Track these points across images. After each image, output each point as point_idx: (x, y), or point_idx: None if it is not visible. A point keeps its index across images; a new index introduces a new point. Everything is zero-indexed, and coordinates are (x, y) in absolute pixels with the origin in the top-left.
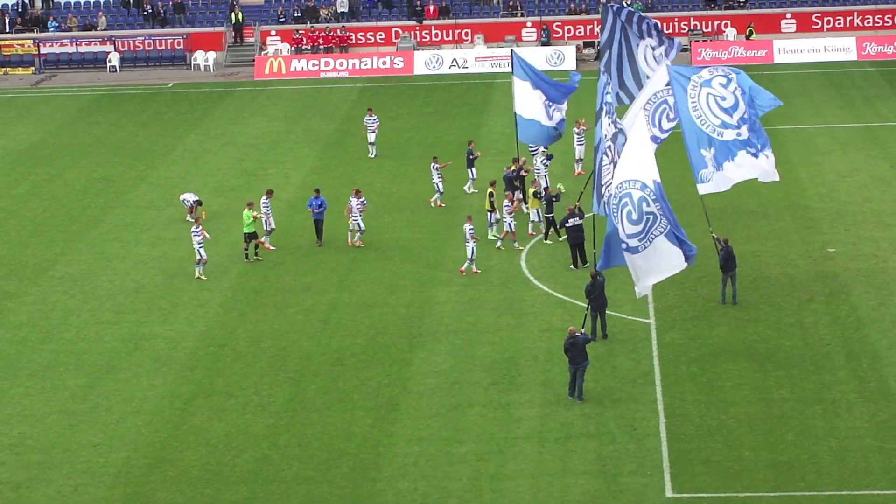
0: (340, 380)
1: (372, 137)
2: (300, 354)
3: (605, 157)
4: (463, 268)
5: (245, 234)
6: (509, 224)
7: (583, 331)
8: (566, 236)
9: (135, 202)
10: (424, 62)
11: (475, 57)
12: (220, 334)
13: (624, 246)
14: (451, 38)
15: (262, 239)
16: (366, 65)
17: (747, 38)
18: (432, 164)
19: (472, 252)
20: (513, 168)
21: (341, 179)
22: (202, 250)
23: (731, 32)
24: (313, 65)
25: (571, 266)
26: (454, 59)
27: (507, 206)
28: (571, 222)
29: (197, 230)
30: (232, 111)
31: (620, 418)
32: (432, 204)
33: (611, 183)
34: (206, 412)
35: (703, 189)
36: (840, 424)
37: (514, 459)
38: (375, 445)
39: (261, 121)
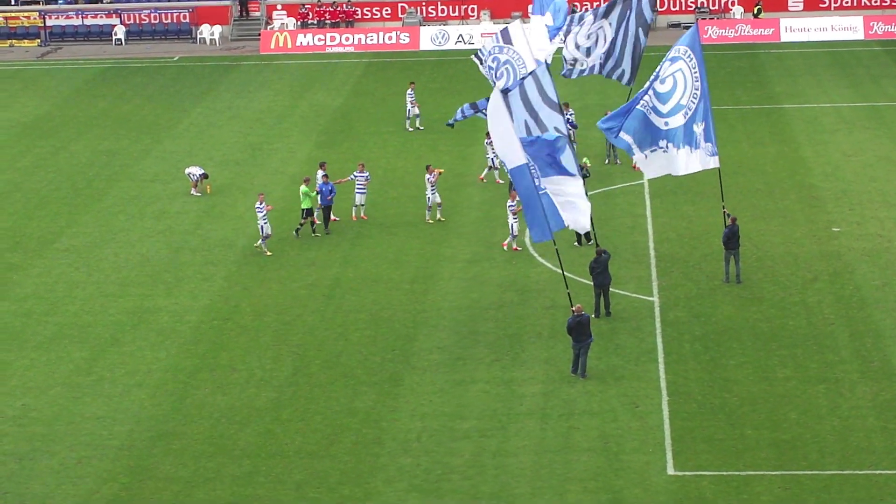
0: (344, 355)
1: (416, 110)
2: (304, 329)
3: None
4: (505, 243)
5: (303, 209)
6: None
7: (575, 307)
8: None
9: (140, 175)
10: (430, 38)
11: (481, 33)
12: (224, 308)
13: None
14: (457, 13)
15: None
16: (371, 40)
17: (755, 16)
18: (426, 175)
19: (514, 228)
20: None
21: (346, 154)
22: (266, 226)
23: (738, 10)
24: (319, 39)
25: (576, 243)
26: (460, 34)
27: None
28: None
29: (261, 206)
30: (237, 85)
31: (623, 396)
32: (430, 221)
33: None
34: (209, 386)
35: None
36: (843, 404)
37: (516, 436)
38: (378, 420)
39: (266, 95)
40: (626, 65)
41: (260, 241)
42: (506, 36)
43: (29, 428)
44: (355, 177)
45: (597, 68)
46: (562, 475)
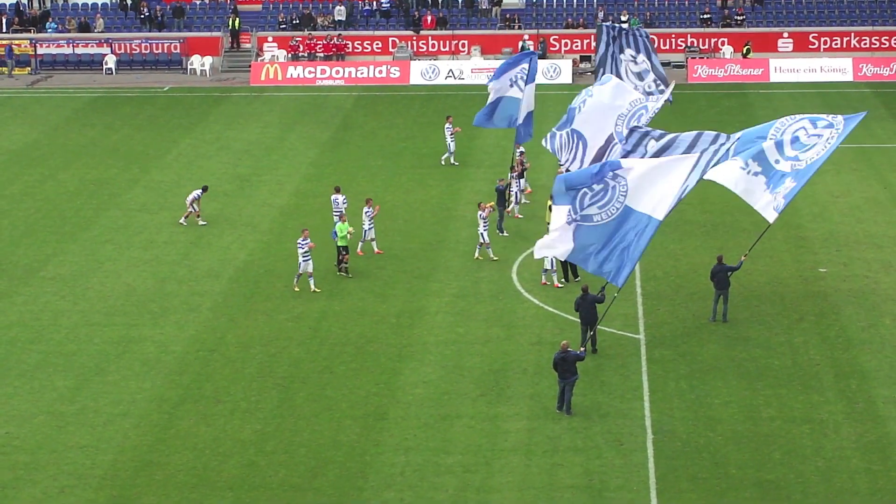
0: (329, 387)
1: (452, 146)
2: (289, 361)
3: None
4: (478, 254)
5: (339, 247)
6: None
7: (582, 349)
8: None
9: (128, 205)
10: (421, 72)
11: (471, 68)
12: (209, 339)
13: (573, 217)
14: (447, 48)
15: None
16: (362, 73)
17: (744, 56)
18: (479, 212)
19: (485, 237)
20: (505, 180)
21: (331, 185)
22: (306, 263)
23: (727, 50)
24: (309, 72)
25: (563, 280)
26: (450, 69)
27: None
28: None
29: (304, 242)
30: (227, 116)
31: (608, 433)
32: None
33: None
34: (193, 417)
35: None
36: (827, 444)
37: (500, 471)
38: (362, 454)
39: (255, 126)
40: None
41: (296, 277)
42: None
43: (12, 456)
44: (366, 213)
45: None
46: None
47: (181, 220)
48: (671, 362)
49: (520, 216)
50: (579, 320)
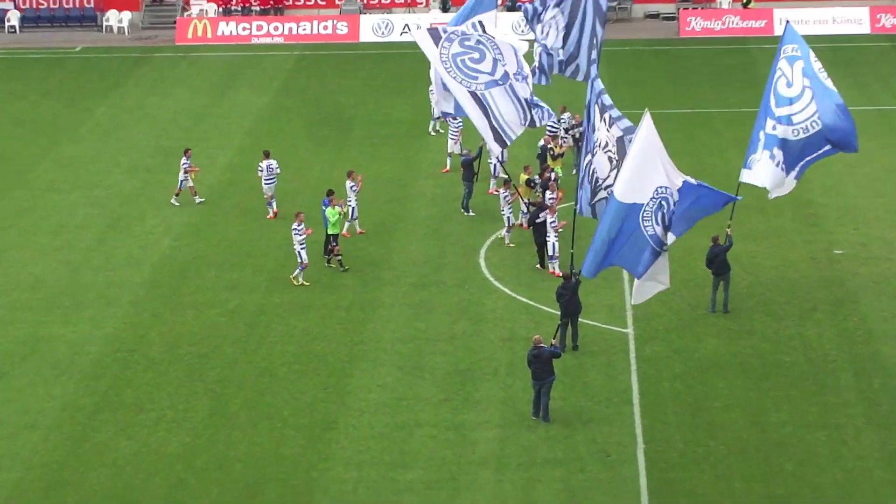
0: (269, 393)
1: (451, 145)
2: (223, 363)
3: (595, 155)
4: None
5: (329, 235)
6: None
7: (554, 342)
8: (532, 231)
9: (35, 183)
10: (372, 28)
11: (431, 23)
12: (130, 338)
13: (661, 248)
14: (402, 0)
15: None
16: (304, 29)
17: (744, 6)
18: (347, 182)
19: (508, 221)
20: (470, 152)
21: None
22: (304, 252)
23: None
24: (244, 29)
25: (538, 265)
26: (406, 24)
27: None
28: (542, 217)
29: (299, 228)
30: (149, 81)
31: (592, 443)
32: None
33: (607, 185)
34: (112, 428)
35: (743, 175)
36: (846, 453)
37: (468, 488)
38: (308, 469)
39: (182, 92)
40: (582, 60)
41: (297, 270)
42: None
43: None
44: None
45: (555, 67)
46: None
47: (172, 200)
48: (664, 360)
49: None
50: (559, 312)
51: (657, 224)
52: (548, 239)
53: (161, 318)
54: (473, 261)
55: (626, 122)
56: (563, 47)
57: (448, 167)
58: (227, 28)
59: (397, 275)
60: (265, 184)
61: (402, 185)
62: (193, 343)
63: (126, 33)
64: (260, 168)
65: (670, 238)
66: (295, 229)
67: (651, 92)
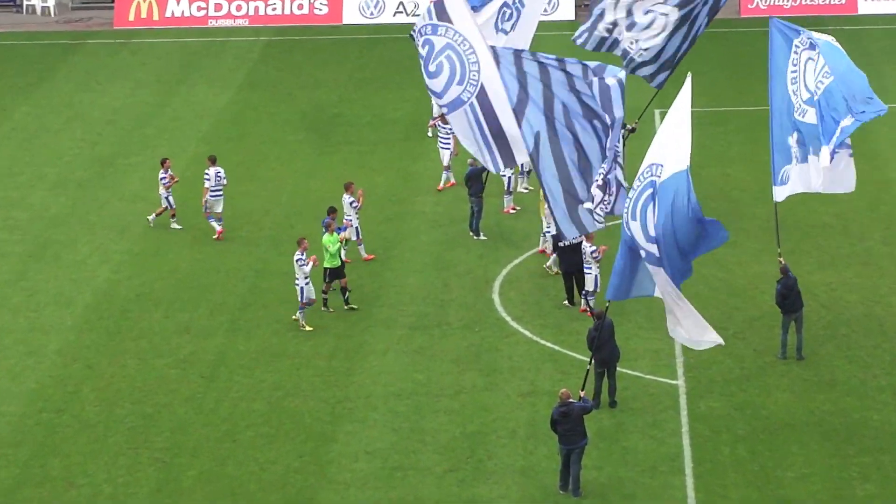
0: (231, 463)
1: (446, 157)
2: (172, 425)
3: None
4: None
5: (326, 269)
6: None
7: (583, 394)
8: (557, 257)
9: None
10: (358, 7)
11: (431, 0)
12: (57, 395)
13: (643, 253)
14: None
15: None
16: (274, 9)
17: None
18: (345, 196)
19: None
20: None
21: (236, 172)
22: (309, 287)
23: None
24: (199, 8)
25: (566, 302)
26: (400, 3)
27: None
28: (569, 239)
29: (302, 258)
30: (81, 73)
31: None
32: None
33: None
34: None
35: (778, 194)
36: None
37: None
38: None
39: (123, 88)
40: (665, 68)
41: (298, 310)
42: (440, 10)
43: None
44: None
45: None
46: None
47: (150, 217)
48: (724, 419)
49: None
50: (591, 361)
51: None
52: (587, 272)
53: (96, 370)
54: (486, 296)
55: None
56: (657, 52)
57: (445, 183)
58: (179, 8)
59: (391, 314)
60: (212, 196)
61: (396, 202)
62: (137, 401)
63: (52, 15)
64: (207, 176)
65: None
66: (298, 260)
67: (705, 85)
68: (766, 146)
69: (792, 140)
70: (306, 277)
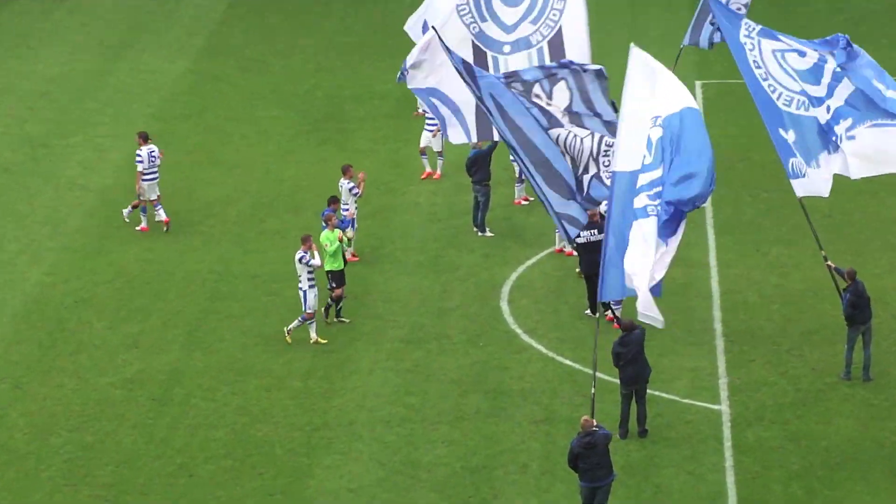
0: (187, 502)
1: (428, 141)
2: (119, 456)
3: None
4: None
5: (329, 272)
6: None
7: (599, 426)
8: (578, 259)
9: None
10: None
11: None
12: None
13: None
14: None
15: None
16: None
17: None
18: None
19: None
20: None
21: (195, 155)
22: (311, 292)
23: None
24: None
25: (587, 311)
26: None
27: None
28: (586, 236)
29: (306, 257)
30: (9, 36)
31: None
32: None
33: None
34: None
35: (799, 188)
36: None
37: None
38: None
39: (58, 54)
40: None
41: (297, 319)
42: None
43: None
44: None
45: None
46: None
47: (124, 212)
48: (775, 451)
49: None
50: (620, 381)
51: None
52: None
53: (27, 391)
54: (492, 304)
55: None
56: None
57: (431, 171)
58: None
59: (379, 325)
60: (145, 179)
61: (387, 192)
62: (74, 428)
63: None
64: (139, 157)
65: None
66: (301, 258)
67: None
68: None
69: (787, 135)
70: (310, 280)
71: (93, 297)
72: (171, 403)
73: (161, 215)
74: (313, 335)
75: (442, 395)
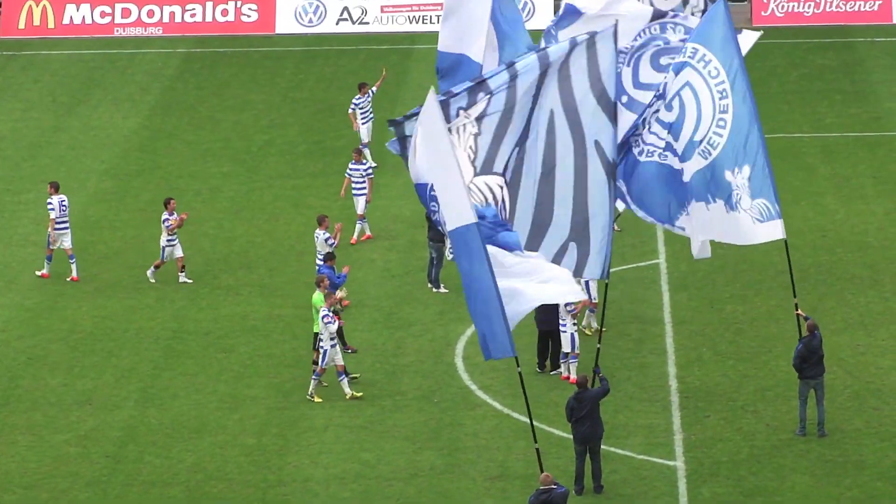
0: None
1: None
2: None
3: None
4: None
5: (316, 334)
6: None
7: (542, 476)
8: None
9: None
10: (294, 13)
11: (381, 6)
12: None
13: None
14: None
15: None
16: (193, 16)
17: None
18: (319, 231)
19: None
20: None
21: (147, 212)
22: (336, 350)
23: None
24: (103, 15)
25: (537, 369)
26: (345, 7)
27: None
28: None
29: (329, 313)
30: None
31: None
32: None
33: None
34: None
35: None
36: None
37: None
38: None
39: (10, 110)
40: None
41: (313, 377)
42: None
43: None
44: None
45: None
46: None
47: (148, 273)
48: None
49: None
50: (573, 438)
51: None
52: (562, 330)
53: None
54: (447, 360)
55: None
56: None
57: (360, 236)
58: (79, 14)
59: (332, 379)
60: (57, 228)
61: (341, 249)
62: (29, 486)
63: None
64: (50, 206)
65: None
66: (324, 317)
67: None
68: (786, 183)
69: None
70: (332, 338)
71: (46, 353)
72: (125, 461)
73: (73, 272)
74: (347, 391)
75: (396, 452)
